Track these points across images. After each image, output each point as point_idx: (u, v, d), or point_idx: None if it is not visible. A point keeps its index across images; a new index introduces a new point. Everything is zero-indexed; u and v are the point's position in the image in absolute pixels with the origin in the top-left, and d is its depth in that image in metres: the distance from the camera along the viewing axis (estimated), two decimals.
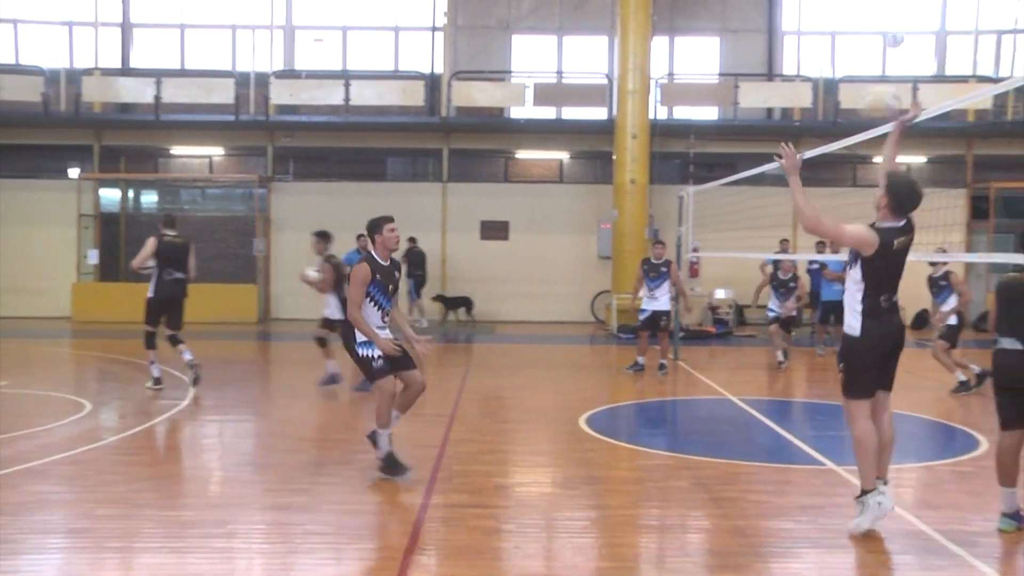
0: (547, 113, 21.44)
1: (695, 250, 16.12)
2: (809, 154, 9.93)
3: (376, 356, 6.69)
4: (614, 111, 19.76)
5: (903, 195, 5.46)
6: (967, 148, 21.43)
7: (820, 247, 15.67)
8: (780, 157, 5.63)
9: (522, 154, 21.93)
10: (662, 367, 12.75)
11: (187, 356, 10.76)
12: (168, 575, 4.94)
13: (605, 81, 20.73)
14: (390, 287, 6.87)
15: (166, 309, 10.80)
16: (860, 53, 22.35)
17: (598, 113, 20.88)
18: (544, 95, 20.67)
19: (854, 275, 5.52)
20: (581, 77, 21.93)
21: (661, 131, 19.71)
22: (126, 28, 22.23)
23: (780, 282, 13.94)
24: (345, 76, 20.91)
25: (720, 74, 21.92)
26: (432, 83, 21.12)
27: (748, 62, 21.93)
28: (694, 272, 20.13)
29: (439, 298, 20.00)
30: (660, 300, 12.77)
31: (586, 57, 22.19)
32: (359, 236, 16.03)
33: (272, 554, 5.37)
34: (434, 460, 7.42)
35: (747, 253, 15.12)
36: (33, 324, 19.14)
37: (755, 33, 22.23)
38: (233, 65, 21.95)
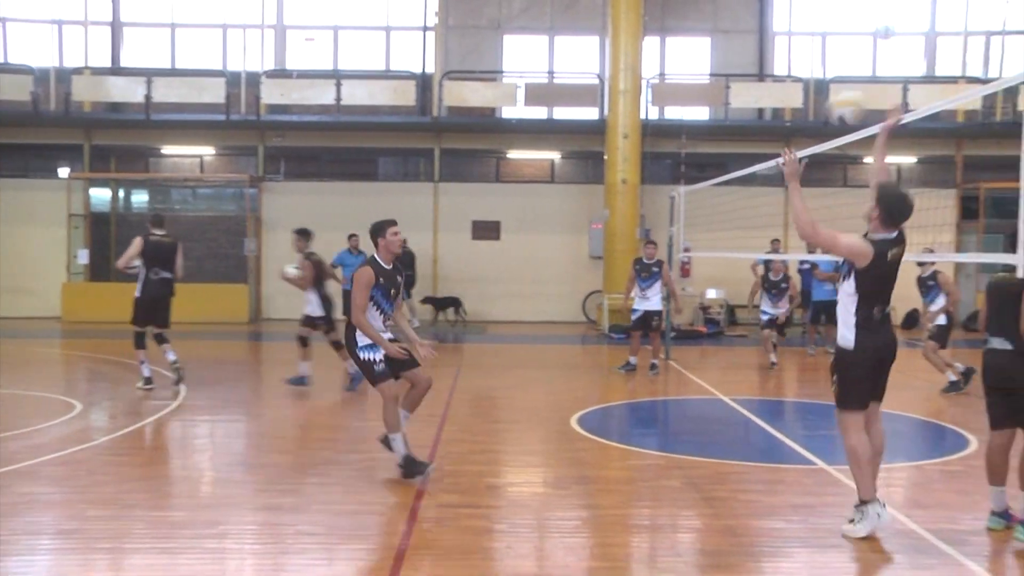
0: (538, 113, 21.45)
1: (686, 250, 16.15)
2: (801, 154, 9.98)
3: (377, 360, 6.69)
4: (605, 111, 19.78)
5: (894, 206, 5.46)
6: (957, 149, 21.52)
7: (811, 247, 15.70)
8: (782, 162, 5.63)
9: (513, 154, 21.94)
10: (653, 367, 12.78)
11: (171, 356, 10.77)
12: None
13: (596, 81, 20.75)
14: (392, 291, 6.88)
15: (154, 308, 10.79)
16: (851, 54, 22.43)
17: (589, 113, 20.90)
18: (535, 95, 20.68)
19: (847, 288, 5.51)
20: (572, 77, 21.95)
21: (652, 131, 19.74)
22: (116, 27, 22.16)
23: (772, 284, 13.96)
24: (336, 76, 20.88)
25: (711, 74, 21.96)
26: (423, 83, 21.10)
27: (739, 62, 21.98)
28: (685, 272, 20.16)
29: (428, 300, 20.01)
30: (652, 300, 12.80)
31: (577, 57, 22.21)
32: (350, 236, 16.06)
33: (263, 555, 5.36)
34: (426, 460, 7.42)
35: (738, 253, 15.16)
36: (23, 324, 19.06)
37: (746, 33, 22.28)
38: (224, 64, 21.90)
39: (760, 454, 8.10)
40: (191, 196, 22.46)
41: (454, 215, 21.33)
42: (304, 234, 11.28)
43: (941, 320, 11.26)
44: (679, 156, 20.58)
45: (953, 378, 11.19)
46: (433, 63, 21.35)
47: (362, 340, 6.73)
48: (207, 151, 21.92)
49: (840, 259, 5.78)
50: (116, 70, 21.70)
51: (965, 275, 21.20)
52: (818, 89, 20.83)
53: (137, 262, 10.68)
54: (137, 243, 10.72)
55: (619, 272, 17.97)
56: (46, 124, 20.90)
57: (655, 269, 12.80)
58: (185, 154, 22.08)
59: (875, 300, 5.46)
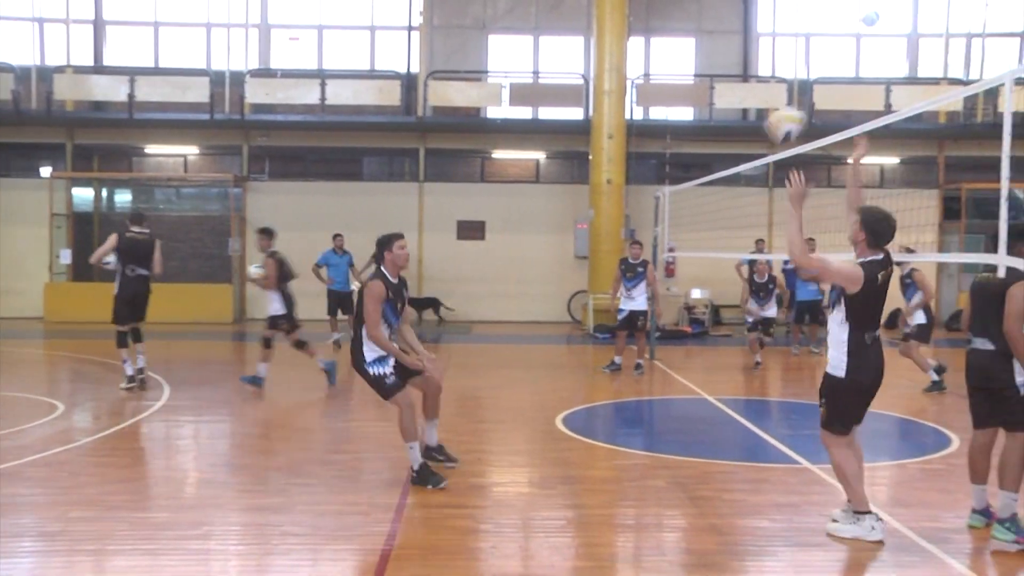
0: (523, 113, 21.44)
1: (671, 250, 16.18)
2: (784, 155, 10.02)
3: (388, 373, 6.69)
4: (590, 111, 19.80)
5: (879, 227, 5.47)
6: (939, 149, 21.67)
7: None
8: (787, 183, 5.61)
9: (498, 154, 21.93)
10: (638, 367, 12.81)
11: (140, 362, 10.84)
12: None
13: (581, 81, 20.77)
14: (399, 304, 6.89)
15: (132, 305, 10.78)
16: (834, 54, 22.55)
17: (574, 113, 20.91)
18: (520, 95, 20.68)
19: (837, 317, 5.50)
20: (557, 77, 21.96)
21: (637, 131, 19.77)
22: (99, 25, 22.01)
23: (759, 286, 13.99)
24: (321, 75, 20.82)
25: (696, 75, 22.02)
26: (408, 83, 21.06)
27: (723, 63, 22.05)
28: (670, 272, 20.24)
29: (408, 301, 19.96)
30: (637, 300, 12.83)
31: (562, 57, 22.22)
32: (335, 235, 16.02)
33: (247, 555, 5.34)
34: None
35: (723, 253, 15.20)
36: (4, 324, 18.90)
37: (730, 34, 22.36)
38: (208, 63, 21.79)
39: (745, 453, 8.13)
40: (175, 196, 22.34)
41: (439, 215, 21.31)
42: (267, 233, 11.30)
43: (921, 319, 11.33)
44: (664, 156, 20.64)
45: (935, 377, 11.27)
46: (418, 63, 21.31)
47: (370, 356, 6.71)
48: (191, 150, 21.81)
49: (829, 286, 5.76)
50: (99, 69, 21.54)
51: (948, 275, 21.36)
52: (802, 90, 20.93)
53: (112, 258, 10.66)
54: (112, 239, 10.75)
55: (604, 272, 18.00)
56: (28, 123, 20.72)
57: (640, 269, 12.84)
58: (169, 153, 21.96)
59: (866, 325, 5.45)
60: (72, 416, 9.43)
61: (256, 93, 20.32)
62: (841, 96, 20.57)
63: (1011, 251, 5.49)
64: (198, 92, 20.03)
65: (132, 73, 20.29)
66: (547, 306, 21.23)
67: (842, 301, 5.46)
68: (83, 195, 21.65)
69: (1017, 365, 5.48)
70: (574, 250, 20.89)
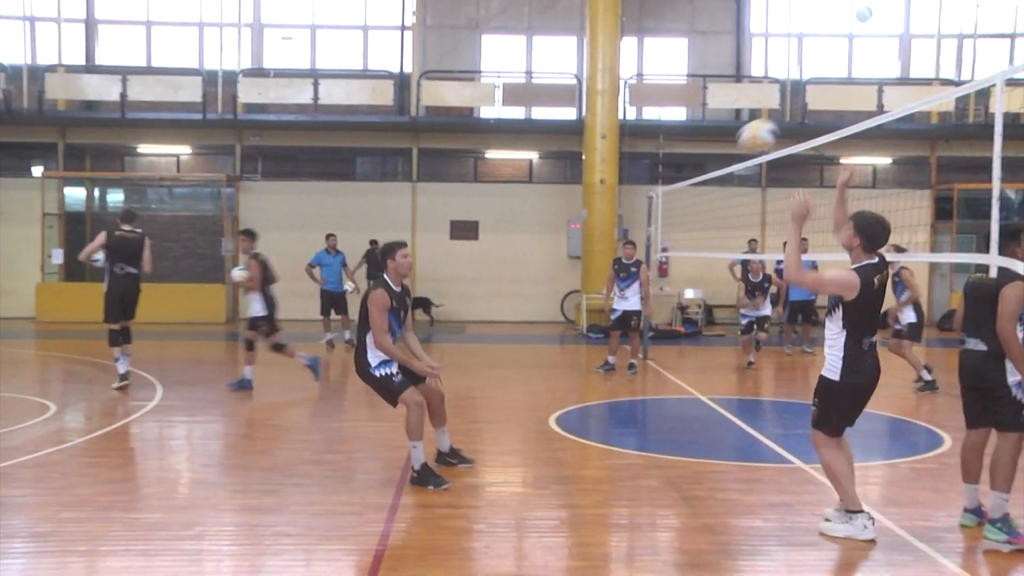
0: (516, 113, 21.46)
1: (664, 250, 16.21)
2: (777, 155, 10.06)
3: (394, 373, 6.70)
4: (583, 111, 19.82)
5: (873, 231, 5.46)
6: (931, 150, 21.74)
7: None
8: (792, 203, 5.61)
9: (492, 154, 21.93)
10: (632, 367, 12.82)
11: (125, 366, 10.82)
12: None
13: (574, 81, 20.78)
14: (402, 313, 6.90)
15: (123, 303, 10.76)
16: (827, 55, 22.61)
17: (567, 113, 20.94)
18: (513, 95, 20.69)
19: (834, 324, 5.50)
20: (550, 77, 21.97)
21: (630, 131, 19.80)
22: (90, 24, 21.95)
23: (754, 285, 13.99)
24: (314, 75, 20.80)
25: (688, 75, 22.05)
26: (401, 82, 21.05)
27: (716, 63, 22.10)
28: (663, 272, 20.27)
29: None
30: (630, 300, 12.84)
31: (555, 57, 22.24)
32: (328, 235, 15.99)
33: (241, 556, 5.33)
34: (404, 460, 7.40)
35: (716, 253, 15.23)
36: None
37: (723, 35, 22.41)
38: (200, 63, 21.76)
39: (738, 453, 8.14)
40: (167, 195, 22.29)
41: (432, 215, 21.30)
42: (249, 235, 11.32)
43: (911, 317, 11.36)
44: (657, 156, 20.67)
45: (928, 377, 11.30)
46: (411, 63, 21.31)
47: (374, 360, 6.72)
48: (183, 150, 21.77)
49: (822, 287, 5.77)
50: (91, 68, 21.50)
51: (940, 275, 21.44)
52: (795, 90, 21.00)
53: (101, 256, 10.64)
54: (101, 237, 10.77)
55: (597, 272, 18.02)
56: (19, 122, 20.66)
57: (633, 269, 12.85)
58: (161, 153, 21.92)
59: (863, 331, 5.46)
60: (64, 416, 9.40)
61: (249, 93, 20.29)
62: (833, 96, 20.64)
63: (1003, 251, 5.51)
64: (191, 92, 20.00)
65: (124, 72, 20.25)
66: (540, 306, 21.24)
67: (840, 307, 5.47)
68: (75, 195, 21.59)
69: (1009, 365, 5.49)
70: (567, 250, 20.91)
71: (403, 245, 6.93)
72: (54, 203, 20.66)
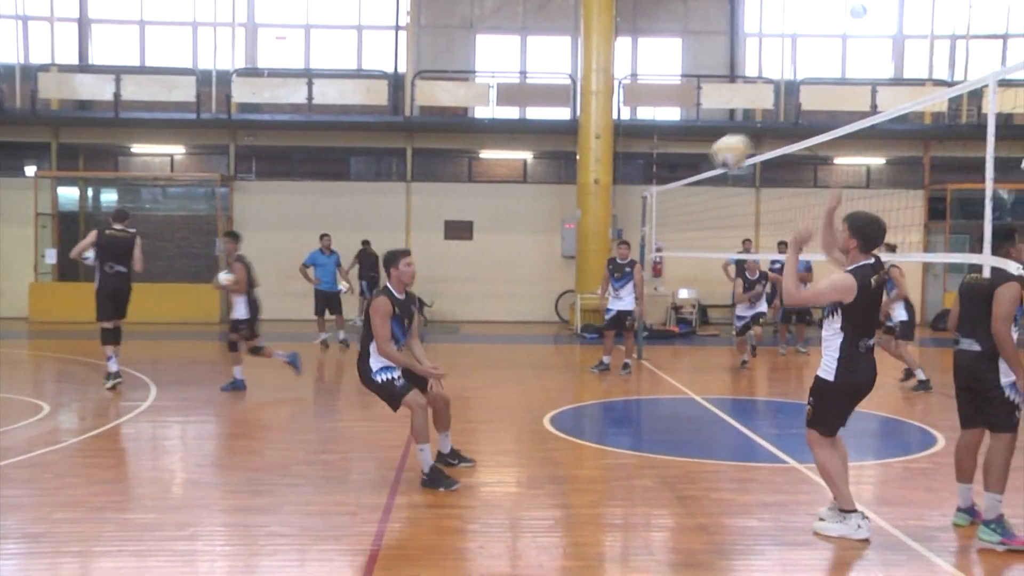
0: (511, 113, 21.45)
1: (658, 250, 16.21)
2: (770, 155, 10.08)
3: (396, 376, 6.70)
4: (578, 111, 19.82)
5: (869, 231, 5.48)
6: (924, 150, 21.78)
7: (782, 247, 15.81)
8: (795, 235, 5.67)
9: (486, 154, 21.92)
10: (626, 367, 12.82)
11: (116, 366, 10.79)
12: None
13: (569, 81, 20.79)
14: (406, 320, 6.90)
15: (115, 301, 10.75)
16: (820, 55, 22.65)
17: (562, 113, 20.94)
18: (508, 95, 20.67)
19: (832, 326, 5.52)
20: (545, 77, 21.98)
21: (624, 131, 19.80)
22: (84, 23, 21.89)
23: (750, 283, 14.00)
24: (308, 75, 20.76)
25: (683, 75, 22.07)
26: (395, 82, 21.03)
27: (710, 63, 22.12)
28: (657, 272, 20.28)
29: None
30: (625, 300, 12.84)
31: (550, 57, 22.24)
32: (322, 236, 15.97)
33: (235, 556, 5.32)
34: (398, 460, 7.41)
35: (710, 253, 15.24)
36: None
37: (717, 35, 22.43)
38: (194, 62, 21.71)
39: (732, 453, 8.15)
40: (161, 195, 22.23)
41: (426, 215, 21.28)
42: (234, 237, 11.36)
43: (903, 315, 11.38)
44: (651, 156, 20.68)
45: (922, 377, 11.33)
46: (405, 62, 21.28)
47: (376, 365, 6.72)
48: (177, 150, 21.71)
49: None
50: (84, 67, 21.44)
51: (933, 275, 21.48)
52: (788, 90, 21.02)
53: (91, 254, 10.64)
54: (92, 235, 10.78)
55: (592, 272, 18.03)
56: (12, 122, 20.59)
57: (628, 269, 12.86)
58: (155, 153, 21.86)
59: (861, 333, 5.47)
60: (57, 417, 9.37)
61: (243, 92, 20.25)
62: (827, 97, 20.67)
63: (996, 251, 5.53)
64: (184, 91, 19.95)
65: (118, 72, 20.18)
66: (535, 306, 21.23)
67: (838, 310, 5.48)
68: (68, 194, 21.51)
69: (1003, 366, 5.51)
70: (561, 250, 20.91)
71: (407, 253, 6.92)
72: (47, 203, 20.59)
